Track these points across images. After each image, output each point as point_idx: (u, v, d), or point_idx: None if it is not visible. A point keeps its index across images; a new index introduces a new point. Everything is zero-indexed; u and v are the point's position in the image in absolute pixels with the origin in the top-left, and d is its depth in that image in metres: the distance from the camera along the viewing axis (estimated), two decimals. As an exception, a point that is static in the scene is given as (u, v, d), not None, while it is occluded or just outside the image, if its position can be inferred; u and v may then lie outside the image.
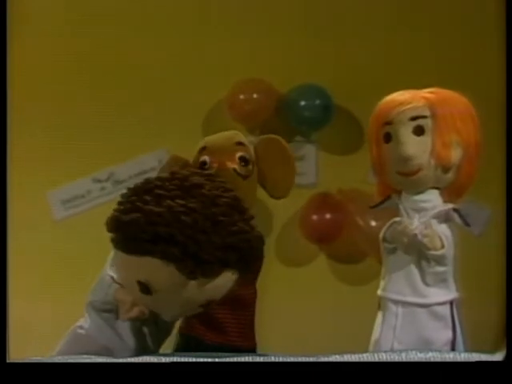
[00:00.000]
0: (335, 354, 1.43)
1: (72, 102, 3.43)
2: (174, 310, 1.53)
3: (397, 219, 1.74)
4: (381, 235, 1.77)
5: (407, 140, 1.69)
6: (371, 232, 3.33)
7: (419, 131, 1.69)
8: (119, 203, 1.46)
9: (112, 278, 1.58)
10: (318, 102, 3.44)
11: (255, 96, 3.45)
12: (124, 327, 1.62)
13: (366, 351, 1.63)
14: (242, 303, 1.83)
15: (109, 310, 1.62)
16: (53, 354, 1.64)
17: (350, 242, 3.46)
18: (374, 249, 3.32)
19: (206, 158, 1.85)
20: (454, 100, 1.73)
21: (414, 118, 1.69)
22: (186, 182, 1.46)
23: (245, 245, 1.44)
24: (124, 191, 1.47)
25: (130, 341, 1.63)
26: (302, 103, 3.44)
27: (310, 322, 3.33)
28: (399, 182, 1.75)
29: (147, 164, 3.46)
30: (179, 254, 1.39)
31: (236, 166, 1.83)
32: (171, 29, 3.48)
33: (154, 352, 1.65)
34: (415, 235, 1.67)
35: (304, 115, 3.43)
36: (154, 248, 1.40)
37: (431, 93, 1.74)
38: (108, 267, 1.61)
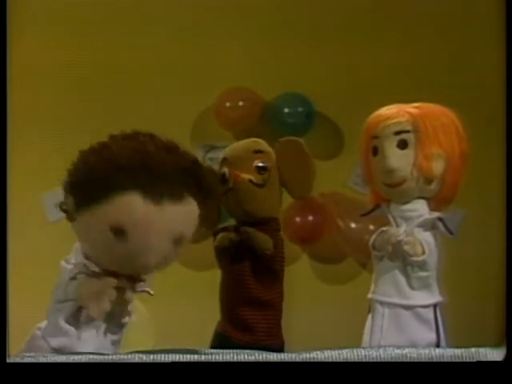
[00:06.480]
0: (316, 350, 1.41)
1: (67, 108, 3.50)
2: (151, 250, 1.50)
3: (384, 228, 1.79)
4: (370, 243, 1.81)
5: (391, 154, 1.75)
6: (351, 233, 3.45)
7: (403, 145, 1.75)
8: None
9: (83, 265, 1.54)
10: (300, 109, 3.55)
11: (241, 103, 3.54)
12: (84, 327, 1.57)
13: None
14: (269, 304, 1.85)
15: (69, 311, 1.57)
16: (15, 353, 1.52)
17: (330, 243, 3.55)
18: (354, 249, 3.47)
19: (225, 169, 1.86)
20: (437, 113, 1.77)
21: (397, 133, 1.75)
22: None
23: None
24: None
25: (89, 342, 1.56)
26: (286, 110, 3.54)
27: (292, 320, 3.40)
28: (386, 192, 1.81)
29: (137, 169, 3.54)
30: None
31: (252, 177, 1.82)
32: (160, 38, 3.56)
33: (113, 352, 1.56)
34: (399, 242, 1.72)
35: (287, 122, 3.52)
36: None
37: (416, 107, 1.78)
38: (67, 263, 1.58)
